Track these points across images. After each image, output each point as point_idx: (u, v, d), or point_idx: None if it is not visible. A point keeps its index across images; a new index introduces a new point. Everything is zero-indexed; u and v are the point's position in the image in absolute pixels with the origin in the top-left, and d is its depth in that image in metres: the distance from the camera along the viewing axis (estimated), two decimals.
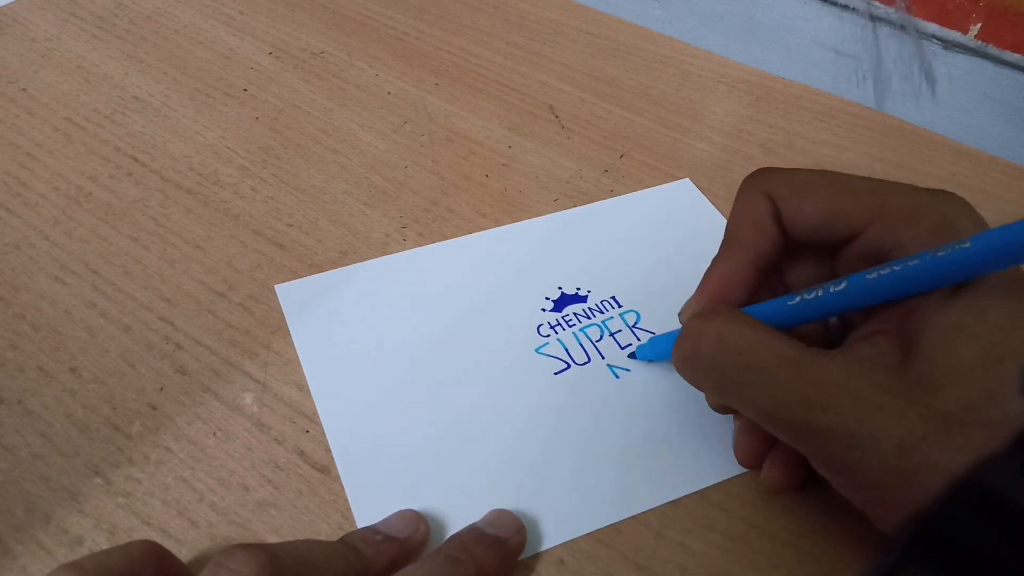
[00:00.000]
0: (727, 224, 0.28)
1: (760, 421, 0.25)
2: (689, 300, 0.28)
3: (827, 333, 0.28)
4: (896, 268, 0.23)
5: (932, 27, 0.46)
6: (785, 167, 0.27)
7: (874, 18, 0.46)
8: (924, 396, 0.21)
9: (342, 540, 0.26)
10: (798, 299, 0.25)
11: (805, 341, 0.27)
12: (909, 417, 0.21)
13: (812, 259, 0.28)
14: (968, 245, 0.22)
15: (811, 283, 0.27)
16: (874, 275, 0.24)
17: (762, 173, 0.27)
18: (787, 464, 0.27)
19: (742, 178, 0.41)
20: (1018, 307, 0.22)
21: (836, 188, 0.26)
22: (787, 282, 0.28)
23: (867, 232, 0.25)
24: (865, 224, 0.25)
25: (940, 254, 0.22)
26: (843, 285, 0.24)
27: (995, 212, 0.40)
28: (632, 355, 0.33)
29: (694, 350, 0.25)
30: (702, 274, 0.37)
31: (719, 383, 0.25)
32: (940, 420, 0.21)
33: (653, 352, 0.32)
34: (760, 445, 0.28)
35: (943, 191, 0.25)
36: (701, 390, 0.27)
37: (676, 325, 0.33)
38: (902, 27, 0.43)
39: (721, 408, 0.29)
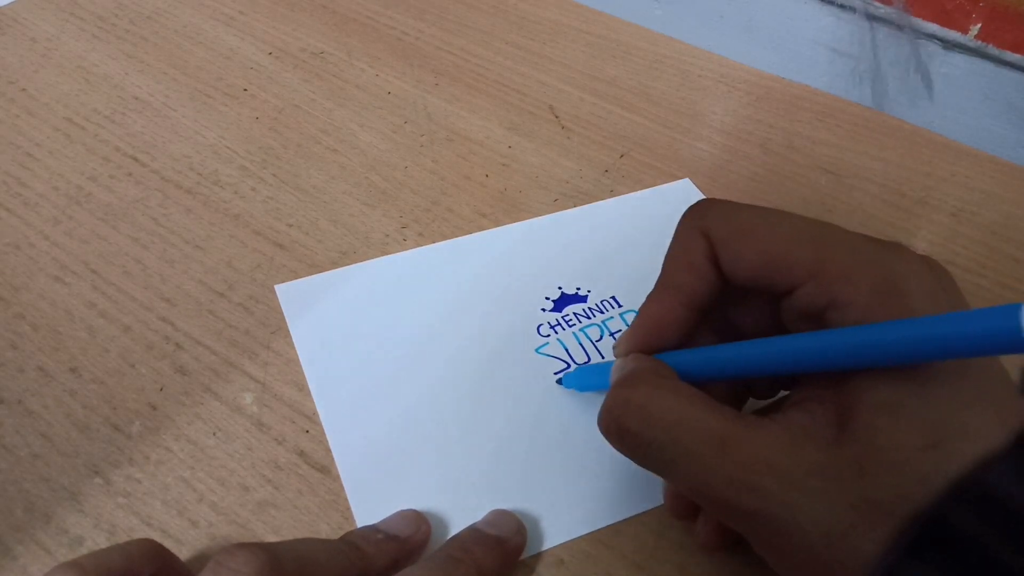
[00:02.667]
0: (664, 260, 0.26)
1: (688, 495, 0.24)
2: (622, 336, 0.26)
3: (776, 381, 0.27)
4: (825, 338, 0.21)
5: (932, 27, 0.46)
6: (729, 202, 0.25)
7: (872, 18, 0.46)
8: (855, 480, 0.20)
9: (343, 538, 0.26)
10: (722, 353, 0.24)
11: (753, 387, 0.25)
12: (838, 504, 0.20)
13: (759, 302, 0.26)
14: (914, 328, 0.20)
15: (757, 325, 0.26)
16: (800, 341, 0.22)
17: (703, 209, 0.25)
18: (719, 524, 0.26)
19: (742, 178, 0.42)
20: (963, 386, 0.21)
21: (777, 236, 0.24)
22: (734, 322, 0.27)
23: (805, 287, 0.23)
24: (804, 278, 0.23)
25: (881, 332, 0.20)
26: (765, 346, 0.23)
27: (995, 212, 0.40)
28: (559, 381, 0.32)
29: (619, 425, 0.24)
30: None
31: (645, 458, 0.23)
32: (870, 509, 0.19)
33: (580, 383, 0.31)
34: (691, 503, 0.27)
35: (895, 244, 0.23)
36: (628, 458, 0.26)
37: None
38: (899, 27, 0.43)
39: None
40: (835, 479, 0.20)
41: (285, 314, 0.34)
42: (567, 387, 0.32)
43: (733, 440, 0.21)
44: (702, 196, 0.40)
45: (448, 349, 0.33)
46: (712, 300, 0.25)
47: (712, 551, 0.28)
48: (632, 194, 0.40)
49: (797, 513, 0.20)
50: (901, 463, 0.20)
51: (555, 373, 0.33)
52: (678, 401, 0.23)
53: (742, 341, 0.24)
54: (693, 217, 0.25)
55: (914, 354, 0.20)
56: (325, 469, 0.30)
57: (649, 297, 0.26)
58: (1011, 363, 0.21)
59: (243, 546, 0.23)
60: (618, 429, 0.24)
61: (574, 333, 0.34)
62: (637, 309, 0.35)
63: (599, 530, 0.28)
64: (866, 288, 0.22)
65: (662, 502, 0.29)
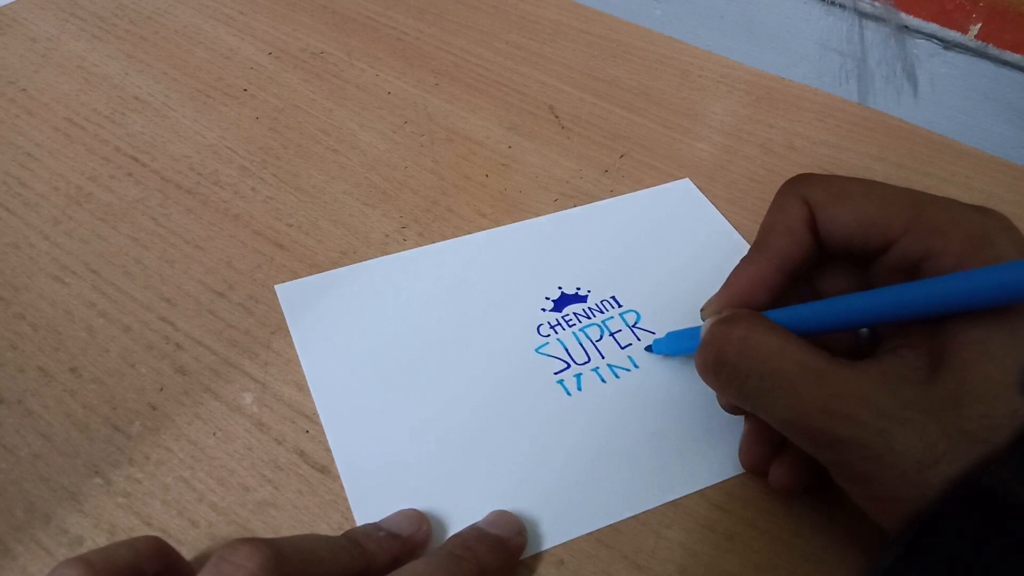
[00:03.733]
0: (760, 226, 0.28)
1: (779, 428, 0.24)
2: (711, 299, 0.28)
3: (857, 344, 0.28)
4: (925, 286, 0.23)
5: (932, 27, 0.46)
6: (825, 174, 0.27)
7: (861, 15, 0.46)
8: (948, 412, 0.21)
9: (345, 535, 0.26)
10: (824, 307, 0.25)
11: (833, 351, 0.26)
12: (931, 433, 0.21)
13: (846, 269, 0.27)
14: (1007, 272, 0.21)
15: (843, 293, 0.27)
16: (902, 290, 0.24)
17: (801, 179, 0.27)
18: (796, 466, 0.27)
19: (742, 178, 0.42)
20: None
21: (874, 197, 0.26)
22: (819, 291, 0.28)
23: (900, 242, 0.25)
24: (899, 234, 0.25)
25: (975, 278, 0.22)
26: (870, 297, 0.24)
27: None
28: (648, 348, 0.33)
29: (717, 357, 0.25)
30: (702, 273, 0.37)
31: (740, 390, 0.25)
32: (962, 437, 0.21)
33: (670, 347, 0.32)
34: (767, 452, 0.28)
35: (983, 207, 0.24)
36: (722, 395, 0.27)
37: (676, 325, 0.33)
38: (888, 25, 0.43)
39: (732, 409, 0.29)
40: (928, 412, 0.21)
41: (285, 314, 0.34)
42: (657, 353, 0.33)
43: (828, 374, 0.23)
44: (702, 196, 0.40)
45: (448, 349, 0.33)
46: (804, 265, 0.27)
47: (785, 494, 0.29)
48: (632, 194, 0.40)
49: (891, 441, 0.21)
50: (992, 396, 0.21)
51: (555, 373, 0.33)
52: (776, 337, 0.24)
53: (842, 295, 0.26)
54: (791, 185, 0.27)
55: (1007, 295, 0.21)
56: (325, 469, 0.30)
57: (743, 260, 0.27)
58: None
59: (246, 541, 0.23)
60: (716, 361, 0.25)
61: (574, 333, 0.34)
62: (637, 309, 0.35)
63: (599, 530, 0.28)
64: (959, 239, 0.23)
65: (662, 502, 0.29)
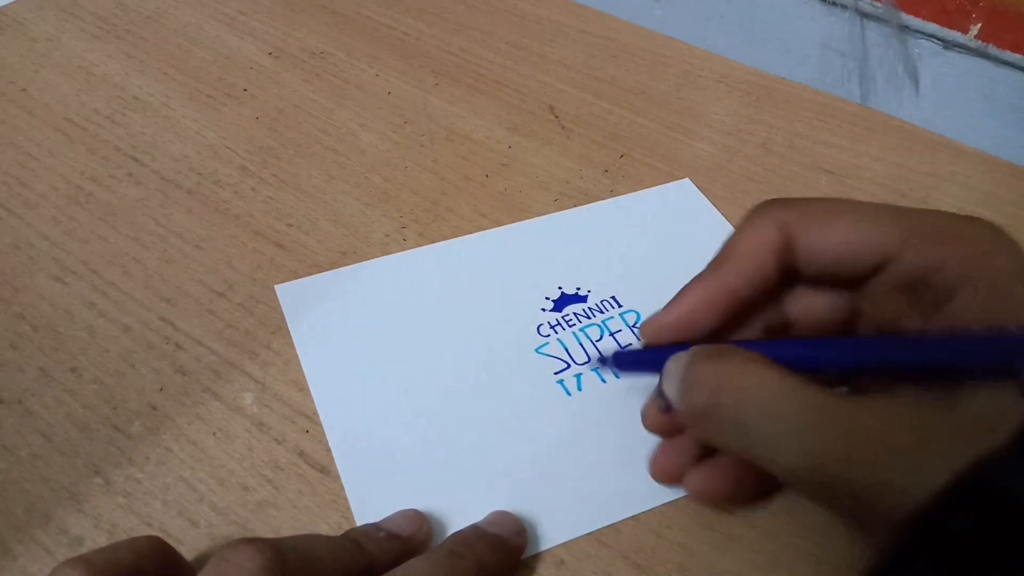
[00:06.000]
0: (723, 244, 0.26)
1: (782, 476, 0.22)
2: (653, 317, 0.26)
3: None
4: (944, 344, 0.22)
5: (932, 27, 0.46)
6: (799, 197, 0.25)
7: (863, 15, 0.46)
8: (963, 445, 0.19)
9: (345, 535, 0.26)
10: (823, 346, 0.24)
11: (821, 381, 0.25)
12: (946, 471, 0.19)
13: (821, 292, 0.26)
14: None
15: (822, 319, 0.25)
16: (912, 344, 0.22)
17: (776, 203, 0.25)
18: (722, 470, 0.26)
19: (742, 178, 0.42)
20: None
21: (860, 214, 0.24)
22: (788, 315, 0.26)
23: (901, 256, 0.23)
24: (896, 250, 0.23)
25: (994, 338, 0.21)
26: (873, 346, 0.23)
27: (995, 212, 0.40)
28: (600, 361, 0.31)
29: (713, 402, 0.22)
30: None
31: (741, 438, 0.22)
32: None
33: (633, 367, 0.29)
34: (683, 462, 0.27)
35: (972, 216, 0.23)
36: (714, 445, 0.25)
37: None
38: (888, 24, 0.43)
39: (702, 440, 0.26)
40: (945, 442, 0.20)
41: (285, 314, 0.34)
42: (620, 368, 0.29)
43: (836, 411, 0.21)
44: (702, 196, 0.40)
45: (448, 349, 0.33)
46: (761, 293, 0.25)
47: (715, 504, 0.28)
48: (632, 194, 0.40)
49: (904, 481, 0.19)
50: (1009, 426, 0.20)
51: (555, 373, 0.33)
52: (776, 375, 0.22)
53: (849, 336, 0.24)
54: (766, 208, 0.25)
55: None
56: (325, 469, 0.30)
57: (695, 278, 0.25)
58: None
59: (247, 541, 0.23)
60: (711, 406, 0.22)
61: (574, 333, 0.34)
62: (637, 309, 0.35)
63: (599, 530, 0.28)
64: (958, 250, 0.22)
65: (662, 502, 0.29)
